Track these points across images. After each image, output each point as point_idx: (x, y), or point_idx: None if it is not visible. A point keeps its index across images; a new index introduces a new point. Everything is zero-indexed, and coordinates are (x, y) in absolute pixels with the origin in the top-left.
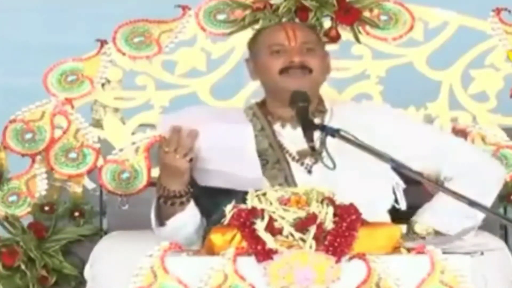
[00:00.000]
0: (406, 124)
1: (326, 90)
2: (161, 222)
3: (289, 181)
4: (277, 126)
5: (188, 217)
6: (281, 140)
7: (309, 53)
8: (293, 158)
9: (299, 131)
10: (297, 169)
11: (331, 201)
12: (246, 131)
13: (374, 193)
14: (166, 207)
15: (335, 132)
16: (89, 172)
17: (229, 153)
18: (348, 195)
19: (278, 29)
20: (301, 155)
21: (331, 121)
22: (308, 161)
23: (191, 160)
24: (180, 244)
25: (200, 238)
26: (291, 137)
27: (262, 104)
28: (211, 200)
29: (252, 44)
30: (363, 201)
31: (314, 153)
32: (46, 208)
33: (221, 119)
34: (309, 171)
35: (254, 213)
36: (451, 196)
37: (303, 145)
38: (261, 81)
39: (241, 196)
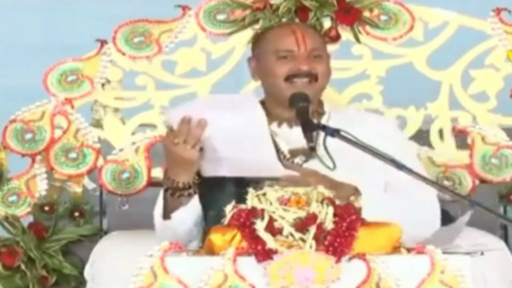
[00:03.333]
0: (393, 150)
1: (326, 90)
2: (166, 215)
3: None
4: (273, 126)
5: (192, 209)
6: (276, 140)
7: (316, 60)
8: (284, 157)
9: (295, 130)
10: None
11: (331, 201)
12: (258, 115)
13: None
14: (173, 199)
15: (335, 132)
16: (89, 172)
17: (241, 139)
18: None
19: (287, 33)
20: (293, 154)
21: (328, 123)
22: (298, 160)
23: (201, 150)
24: (180, 244)
25: (200, 232)
26: (286, 136)
27: (261, 104)
28: (208, 194)
29: (257, 44)
30: None
31: (313, 153)
32: (46, 208)
33: (231, 106)
34: None
35: (254, 213)
36: (449, 194)
37: (297, 144)
38: (263, 83)
39: (237, 192)
